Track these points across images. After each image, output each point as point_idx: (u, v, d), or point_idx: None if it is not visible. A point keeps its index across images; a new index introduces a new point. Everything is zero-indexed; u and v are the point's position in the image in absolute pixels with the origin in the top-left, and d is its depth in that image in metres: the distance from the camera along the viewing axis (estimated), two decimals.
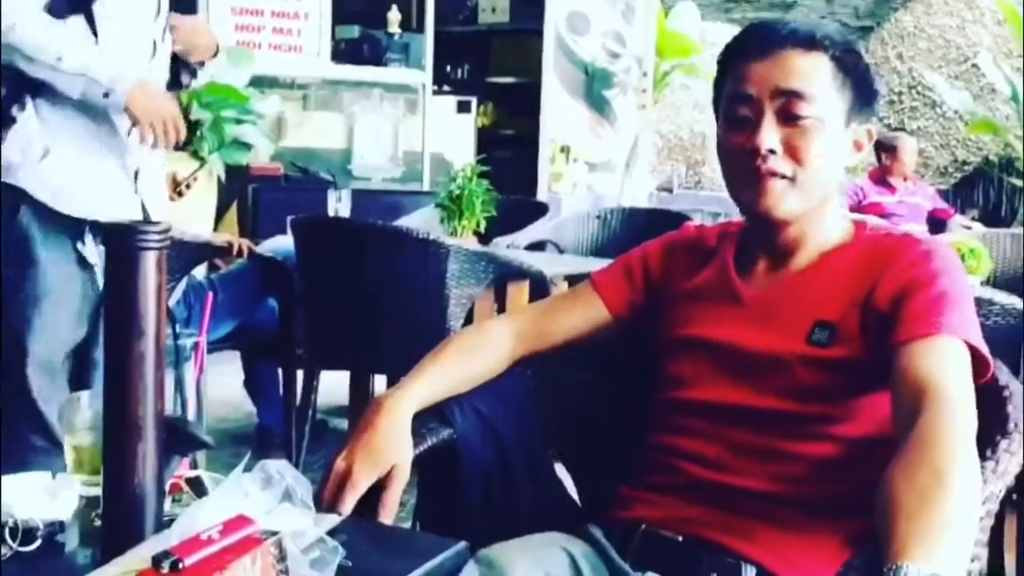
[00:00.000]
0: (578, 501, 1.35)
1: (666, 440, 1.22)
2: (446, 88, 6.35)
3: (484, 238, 3.15)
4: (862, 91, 1.21)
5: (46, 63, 1.88)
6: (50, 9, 1.91)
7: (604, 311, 1.31)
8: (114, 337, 0.85)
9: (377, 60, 5.34)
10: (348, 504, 1.06)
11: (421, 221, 3.28)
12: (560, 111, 5.91)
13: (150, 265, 0.85)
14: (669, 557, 1.13)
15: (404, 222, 3.26)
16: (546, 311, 1.35)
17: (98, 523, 0.94)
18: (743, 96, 1.18)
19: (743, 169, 1.19)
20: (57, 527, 0.94)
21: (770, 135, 1.16)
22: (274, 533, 0.82)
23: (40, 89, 1.94)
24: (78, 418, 1.04)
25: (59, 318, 1.99)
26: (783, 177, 1.17)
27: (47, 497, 0.98)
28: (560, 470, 1.37)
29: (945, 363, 1.05)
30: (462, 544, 0.99)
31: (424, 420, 1.18)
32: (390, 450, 1.10)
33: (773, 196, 1.17)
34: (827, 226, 1.22)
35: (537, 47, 5.91)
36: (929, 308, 1.09)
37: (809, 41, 1.18)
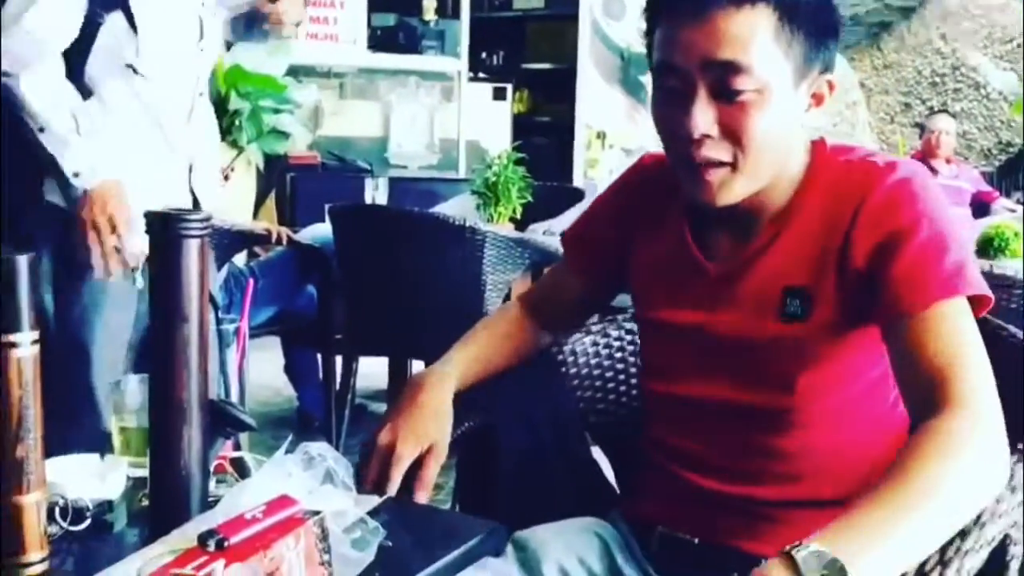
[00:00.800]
0: (615, 484, 1.36)
1: (660, 435, 1.17)
2: (482, 75, 6.34)
3: (520, 224, 3.15)
4: (816, 35, 1.01)
5: (30, 125, 1.84)
6: (90, 12, 1.89)
7: (583, 277, 1.28)
8: (160, 323, 0.87)
9: (413, 48, 5.35)
10: (396, 479, 1.05)
11: (457, 208, 3.29)
12: (596, 97, 5.89)
13: (193, 252, 0.87)
14: (688, 560, 1.10)
15: (440, 209, 3.28)
16: (552, 284, 1.33)
17: (145, 503, 0.96)
18: (670, 67, 1.01)
19: (678, 155, 1.03)
20: (106, 507, 0.97)
21: (703, 117, 0.99)
22: (316, 513, 0.83)
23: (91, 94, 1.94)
24: (125, 401, 1.07)
25: (119, 320, 1.99)
26: (721, 164, 1.01)
27: (96, 478, 1.00)
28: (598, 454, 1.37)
29: (951, 337, 0.95)
30: (499, 526, 1.01)
31: (461, 404, 1.19)
32: (433, 427, 1.10)
33: (712, 187, 1.02)
34: (785, 181, 1.06)
35: (572, 32, 5.88)
36: (918, 267, 0.97)
37: None
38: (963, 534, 0.95)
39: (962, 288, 0.97)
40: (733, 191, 1.03)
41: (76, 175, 1.87)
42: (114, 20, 1.90)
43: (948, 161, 5.54)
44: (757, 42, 0.98)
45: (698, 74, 0.99)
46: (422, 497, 1.08)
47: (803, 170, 1.07)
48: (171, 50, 1.99)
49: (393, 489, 1.05)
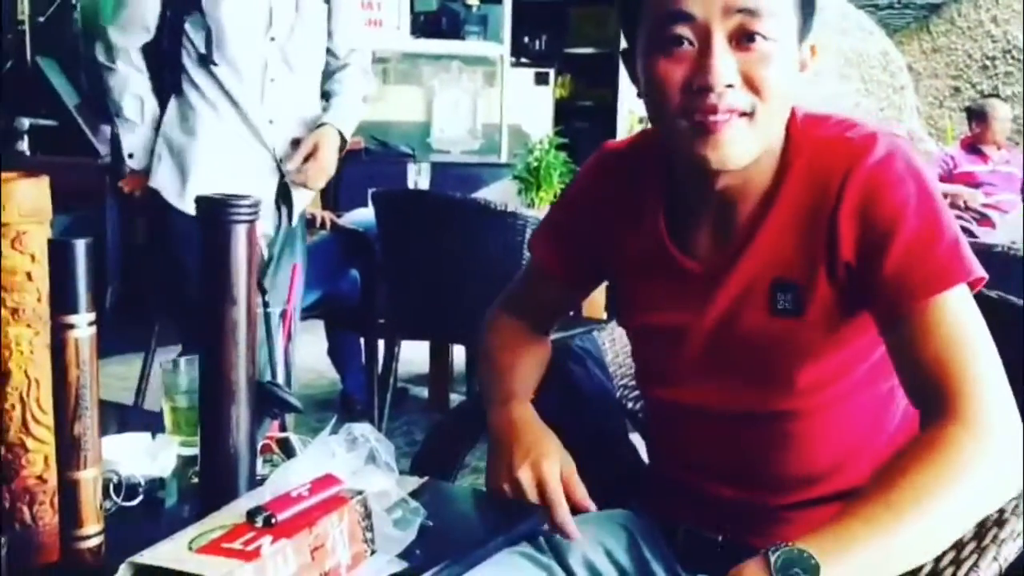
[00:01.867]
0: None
1: (667, 442, 1.15)
2: (524, 60, 6.34)
3: None
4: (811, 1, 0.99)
5: (111, 109, 2.27)
6: (169, 10, 2.17)
7: (558, 281, 1.22)
8: (209, 306, 0.89)
9: (456, 33, 5.37)
10: (566, 513, 1.02)
11: (499, 193, 3.30)
12: None
13: (241, 237, 0.89)
14: (712, 556, 1.07)
15: (482, 194, 3.29)
16: (529, 292, 1.26)
17: (195, 480, 0.99)
18: (681, 15, 0.94)
19: (687, 110, 0.95)
20: (157, 484, 1.00)
21: (726, 66, 0.93)
22: (359, 492, 0.86)
23: (181, 89, 2.20)
24: (176, 382, 1.10)
25: None
26: (742, 115, 0.95)
27: (147, 456, 1.04)
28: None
29: (952, 334, 0.91)
30: (537, 511, 1.02)
31: None
32: (553, 446, 1.07)
33: (731, 143, 0.95)
34: (767, 157, 1.00)
35: (615, 16, 5.84)
36: (911, 261, 0.92)
37: None
38: (1000, 523, 0.94)
39: (957, 277, 0.92)
40: (748, 147, 0.96)
41: (130, 156, 2.23)
42: (192, 17, 2.14)
43: (999, 147, 5.43)
44: None
45: (717, 20, 0.93)
46: (587, 503, 1.04)
47: (781, 147, 1.01)
48: (241, 40, 2.11)
49: (565, 512, 1.02)
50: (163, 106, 2.21)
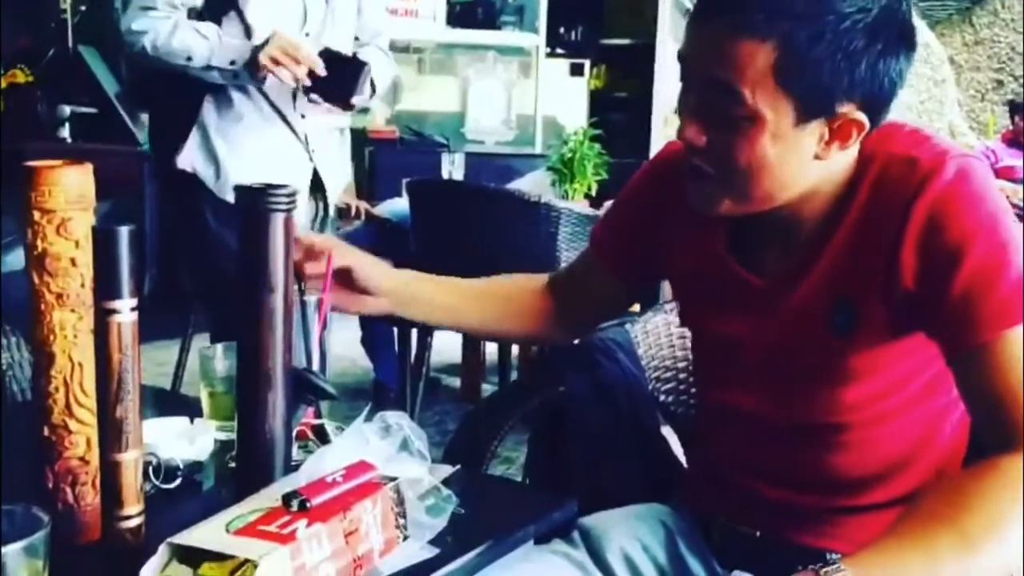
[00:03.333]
0: (684, 463, 1.37)
1: (715, 438, 1.15)
2: (559, 50, 6.32)
3: (595, 201, 3.15)
4: (827, 83, 0.91)
5: (183, 65, 2.16)
6: (200, 12, 2.17)
7: (615, 281, 1.21)
8: (246, 293, 0.91)
9: (491, 23, 5.37)
10: None
11: (533, 184, 3.30)
12: (674, 73, 5.73)
13: (279, 226, 0.90)
14: (749, 552, 1.08)
15: (516, 185, 3.29)
16: (582, 273, 1.24)
17: (232, 465, 1.00)
18: (681, 59, 0.98)
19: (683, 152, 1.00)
20: (195, 467, 1.02)
21: (693, 128, 0.96)
22: (392, 479, 0.87)
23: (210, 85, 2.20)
24: (214, 368, 1.11)
25: None
26: (709, 175, 0.97)
27: (186, 441, 1.06)
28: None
29: (1019, 369, 0.89)
30: (571, 503, 1.02)
31: (534, 379, 1.20)
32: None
33: (700, 195, 0.99)
34: (823, 193, 0.99)
35: (652, 7, 5.80)
36: (974, 295, 0.90)
37: (743, 24, 0.89)
38: None
39: (1018, 317, 0.90)
40: (722, 204, 0.98)
41: (235, 75, 2.15)
42: (228, 16, 2.17)
43: None
44: (753, 73, 0.91)
45: (699, 82, 0.95)
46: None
47: (850, 172, 0.99)
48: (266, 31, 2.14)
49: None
50: (199, 101, 2.24)
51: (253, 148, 2.23)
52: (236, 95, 2.22)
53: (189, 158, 2.24)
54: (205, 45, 2.13)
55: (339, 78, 2.17)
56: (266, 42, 2.12)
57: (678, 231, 1.12)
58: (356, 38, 2.40)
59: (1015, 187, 5.11)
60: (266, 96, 2.23)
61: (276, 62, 2.11)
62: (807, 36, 0.89)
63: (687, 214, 1.07)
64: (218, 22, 2.17)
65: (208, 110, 2.23)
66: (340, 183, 2.41)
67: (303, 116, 2.27)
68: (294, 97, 2.24)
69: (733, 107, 0.92)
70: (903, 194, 0.93)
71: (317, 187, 2.35)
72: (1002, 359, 0.89)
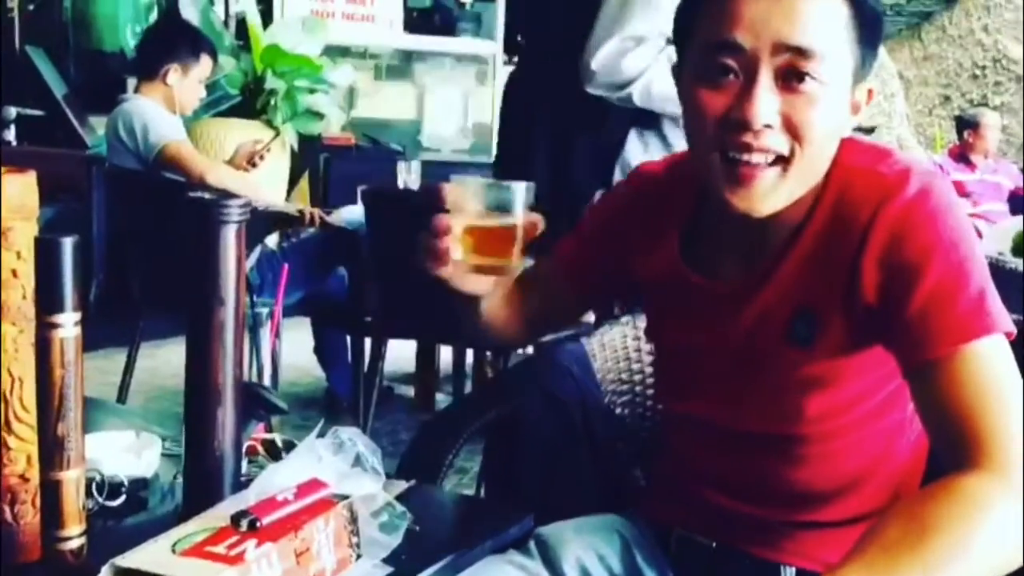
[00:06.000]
0: (640, 477, 1.37)
1: (674, 448, 1.15)
2: (517, 59, 6.32)
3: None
4: (874, 38, 0.94)
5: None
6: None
7: (575, 295, 1.21)
8: (196, 306, 0.89)
9: (449, 30, 5.36)
10: None
11: None
12: None
13: (230, 237, 0.88)
14: (705, 562, 1.07)
15: None
16: (544, 276, 1.20)
17: (179, 481, 0.98)
18: (730, 45, 0.91)
19: (721, 143, 0.93)
20: (141, 484, 0.99)
21: (768, 104, 0.90)
22: (345, 497, 0.85)
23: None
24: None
25: None
26: (776, 160, 0.92)
27: (131, 455, 1.03)
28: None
29: (978, 384, 0.87)
30: (528, 517, 1.02)
31: (489, 392, 1.20)
32: None
33: (760, 189, 0.93)
34: (809, 195, 0.97)
35: None
36: (933, 309, 0.89)
37: None
38: None
39: (983, 329, 0.89)
40: (778, 196, 0.94)
41: None
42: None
43: (987, 156, 5.46)
44: (833, 30, 0.90)
45: (766, 57, 0.90)
46: None
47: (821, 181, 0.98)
48: None
49: None
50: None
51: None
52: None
53: None
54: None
55: None
56: None
57: (643, 250, 1.11)
58: None
59: (961, 202, 5.23)
60: None
61: None
62: None
63: (651, 229, 1.07)
64: None
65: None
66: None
67: None
68: None
69: (814, 70, 0.90)
70: (866, 208, 0.93)
71: None
72: (958, 374, 0.88)
